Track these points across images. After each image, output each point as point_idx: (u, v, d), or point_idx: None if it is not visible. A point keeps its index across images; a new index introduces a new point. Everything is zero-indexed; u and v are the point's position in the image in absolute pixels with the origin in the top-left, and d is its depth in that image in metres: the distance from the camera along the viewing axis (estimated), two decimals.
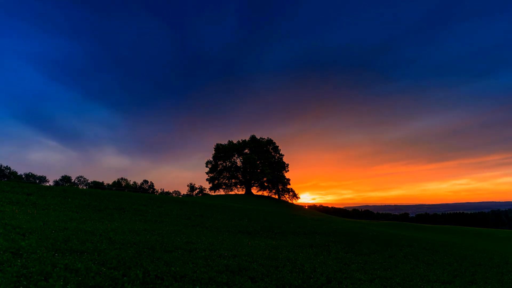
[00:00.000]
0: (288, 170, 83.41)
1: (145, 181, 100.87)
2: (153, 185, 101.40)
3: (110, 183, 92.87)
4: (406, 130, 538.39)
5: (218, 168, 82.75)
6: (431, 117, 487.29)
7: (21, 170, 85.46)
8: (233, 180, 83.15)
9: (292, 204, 77.77)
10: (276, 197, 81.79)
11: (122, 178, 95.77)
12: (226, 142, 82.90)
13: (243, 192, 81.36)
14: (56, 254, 6.46)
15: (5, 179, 73.57)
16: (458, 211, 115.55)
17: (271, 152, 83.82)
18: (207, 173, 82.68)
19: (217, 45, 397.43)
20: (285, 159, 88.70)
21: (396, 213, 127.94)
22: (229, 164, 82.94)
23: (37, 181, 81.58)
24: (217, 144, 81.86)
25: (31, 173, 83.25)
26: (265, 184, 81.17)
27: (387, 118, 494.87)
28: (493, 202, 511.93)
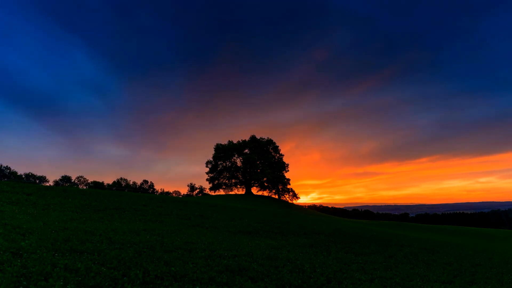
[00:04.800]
0: (288, 170, 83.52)
1: (145, 181, 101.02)
2: (153, 185, 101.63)
3: (110, 182, 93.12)
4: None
5: (218, 168, 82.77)
6: None
7: None
8: (233, 180, 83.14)
9: (292, 204, 77.79)
10: (276, 197, 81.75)
11: (122, 178, 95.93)
12: (226, 141, 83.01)
13: (243, 192, 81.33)
14: (56, 254, 6.46)
15: (5, 179, 73.54)
16: (458, 211, 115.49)
17: (271, 152, 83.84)
18: (207, 173, 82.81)
19: None
20: (315, 147, 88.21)
21: (396, 213, 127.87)
22: (229, 164, 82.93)
23: (37, 181, 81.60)
24: (217, 144, 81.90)
25: (31, 173, 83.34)
26: (265, 184, 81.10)
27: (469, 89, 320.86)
28: (493, 202, 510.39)
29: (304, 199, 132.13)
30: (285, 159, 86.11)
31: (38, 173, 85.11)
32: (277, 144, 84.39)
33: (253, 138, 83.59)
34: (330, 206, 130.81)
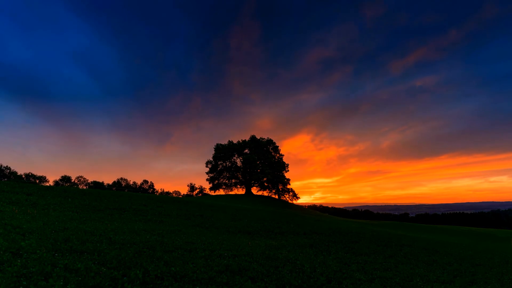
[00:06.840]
0: (288, 170, 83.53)
1: (145, 181, 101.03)
2: (153, 185, 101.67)
3: (110, 182, 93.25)
4: None
5: (218, 168, 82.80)
6: None
7: None
8: (233, 180, 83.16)
9: (292, 204, 77.75)
10: (276, 197, 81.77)
11: (122, 178, 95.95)
12: (226, 141, 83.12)
13: (243, 192, 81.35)
14: (56, 254, 6.46)
15: (5, 179, 73.57)
16: (458, 211, 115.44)
17: (271, 152, 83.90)
18: (207, 173, 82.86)
19: None
20: (332, 140, 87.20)
21: (396, 213, 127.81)
22: (229, 164, 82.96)
23: (37, 181, 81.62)
24: (217, 144, 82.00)
25: (31, 173, 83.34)
26: (265, 184, 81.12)
27: None
28: (493, 202, 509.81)
29: (307, 199, 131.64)
30: (298, 154, 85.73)
31: (32, 169, 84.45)
32: (277, 144, 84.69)
33: (253, 138, 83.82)
34: (330, 206, 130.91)
